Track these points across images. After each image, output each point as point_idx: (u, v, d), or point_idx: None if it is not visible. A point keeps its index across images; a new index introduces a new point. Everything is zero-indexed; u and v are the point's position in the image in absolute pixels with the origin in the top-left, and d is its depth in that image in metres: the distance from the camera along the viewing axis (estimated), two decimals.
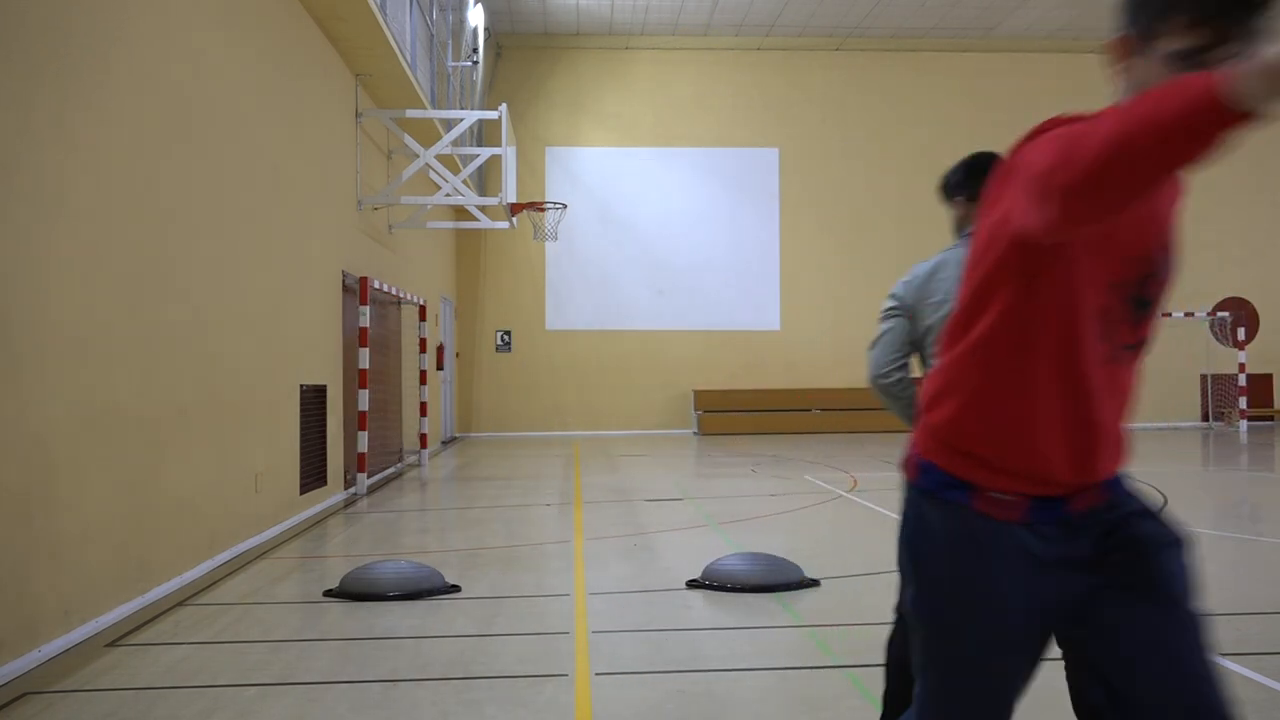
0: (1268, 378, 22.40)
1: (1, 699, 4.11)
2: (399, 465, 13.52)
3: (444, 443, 18.63)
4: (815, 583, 5.99)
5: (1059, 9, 20.13)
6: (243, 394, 7.52)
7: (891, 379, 3.20)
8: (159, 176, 6.07)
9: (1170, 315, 21.26)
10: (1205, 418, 21.95)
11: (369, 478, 11.25)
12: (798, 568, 6.06)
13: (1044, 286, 1.72)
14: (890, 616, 4.42)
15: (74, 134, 5.06)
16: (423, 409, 14.72)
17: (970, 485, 1.81)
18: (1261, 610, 5.42)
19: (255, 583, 6.44)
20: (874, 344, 3.27)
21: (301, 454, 9.11)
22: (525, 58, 21.52)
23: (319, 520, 9.17)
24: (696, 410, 21.17)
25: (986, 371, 1.80)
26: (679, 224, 21.59)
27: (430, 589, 5.87)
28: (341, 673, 4.49)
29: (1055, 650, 1.97)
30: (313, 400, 9.52)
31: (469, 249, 21.20)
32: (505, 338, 21.44)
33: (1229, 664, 4.35)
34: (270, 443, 8.20)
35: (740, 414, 20.97)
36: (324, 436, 9.93)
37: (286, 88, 8.90)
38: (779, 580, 5.88)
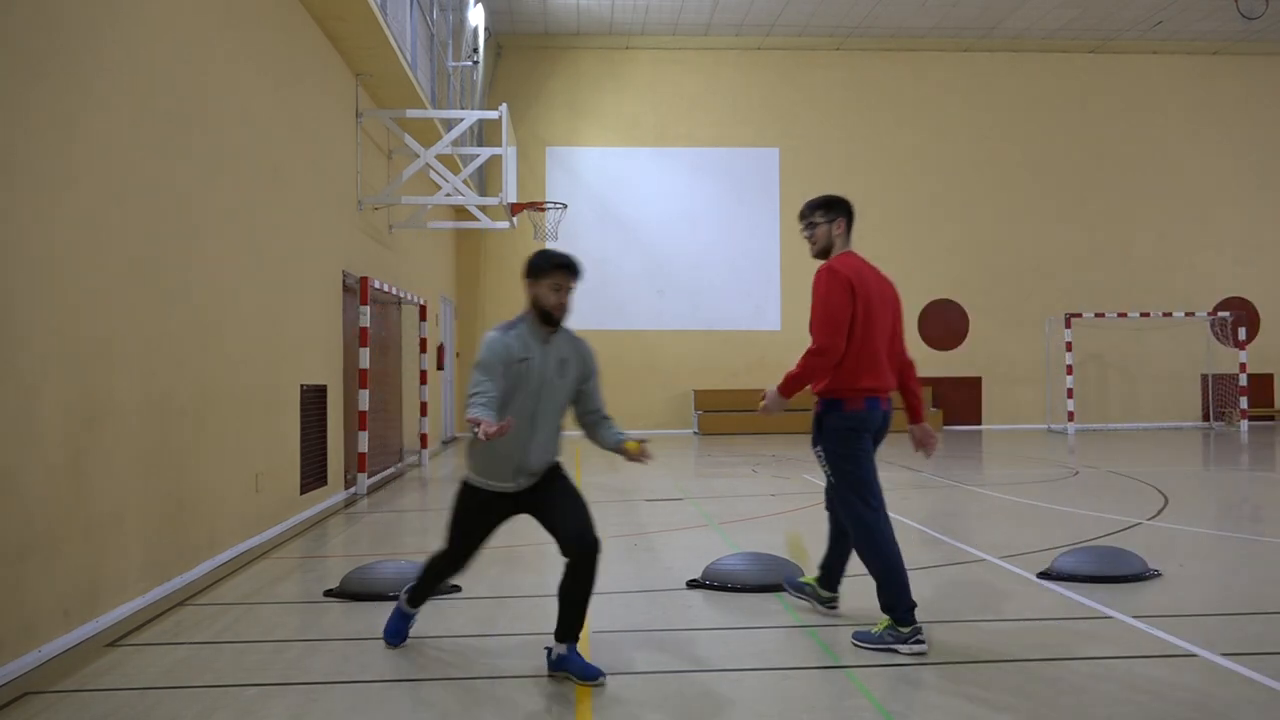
0: (1268, 378, 22.39)
1: (1, 699, 4.11)
2: (399, 465, 13.51)
3: (444, 442, 18.62)
4: None
5: (1059, 9, 20.13)
6: (243, 394, 7.52)
7: None
8: (158, 176, 6.07)
9: (1171, 315, 21.28)
10: (1206, 418, 21.94)
11: (369, 478, 11.25)
12: (798, 567, 6.05)
13: None
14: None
15: (74, 134, 5.06)
16: (423, 409, 14.72)
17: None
18: (1261, 610, 5.41)
19: (255, 583, 6.43)
20: None
21: (302, 454, 9.10)
22: (525, 58, 21.52)
23: (319, 520, 9.17)
24: (696, 410, 21.17)
25: None
26: (679, 224, 21.58)
27: None
28: (341, 673, 4.49)
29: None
30: (313, 400, 9.51)
31: (469, 249, 21.19)
32: None
33: (1229, 664, 4.35)
34: (270, 443, 8.20)
35: (741, 414, 20.96)
36: (324, 436, 9.93)
37: (287, 87, 8.90)
38: (779, 580, 5.87)
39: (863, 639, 4.72)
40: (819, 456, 4.94)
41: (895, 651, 4.57)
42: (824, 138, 21.92)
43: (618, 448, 4.37)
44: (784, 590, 5.66)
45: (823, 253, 5.15)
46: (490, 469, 4.38)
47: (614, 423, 4.52)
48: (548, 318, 4.34)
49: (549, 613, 5.54)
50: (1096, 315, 21.06)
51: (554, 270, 4.32)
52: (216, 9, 7.22)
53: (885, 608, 4.69)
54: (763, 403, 5.02)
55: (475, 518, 4.54)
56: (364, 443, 11.03)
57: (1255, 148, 22.55)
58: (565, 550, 4.31)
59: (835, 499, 4.97)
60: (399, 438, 13.65)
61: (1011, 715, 3.80)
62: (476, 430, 3.84)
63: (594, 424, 4.53)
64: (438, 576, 4.76)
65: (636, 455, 4.31)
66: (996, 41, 21.84)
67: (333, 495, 10.22)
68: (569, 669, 4.29)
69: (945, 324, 22.01)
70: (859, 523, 4.78)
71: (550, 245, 20.77)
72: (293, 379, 8.89)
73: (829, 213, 5.14)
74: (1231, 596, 5.80)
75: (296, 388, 8.99)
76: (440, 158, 14.34)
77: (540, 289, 4.32)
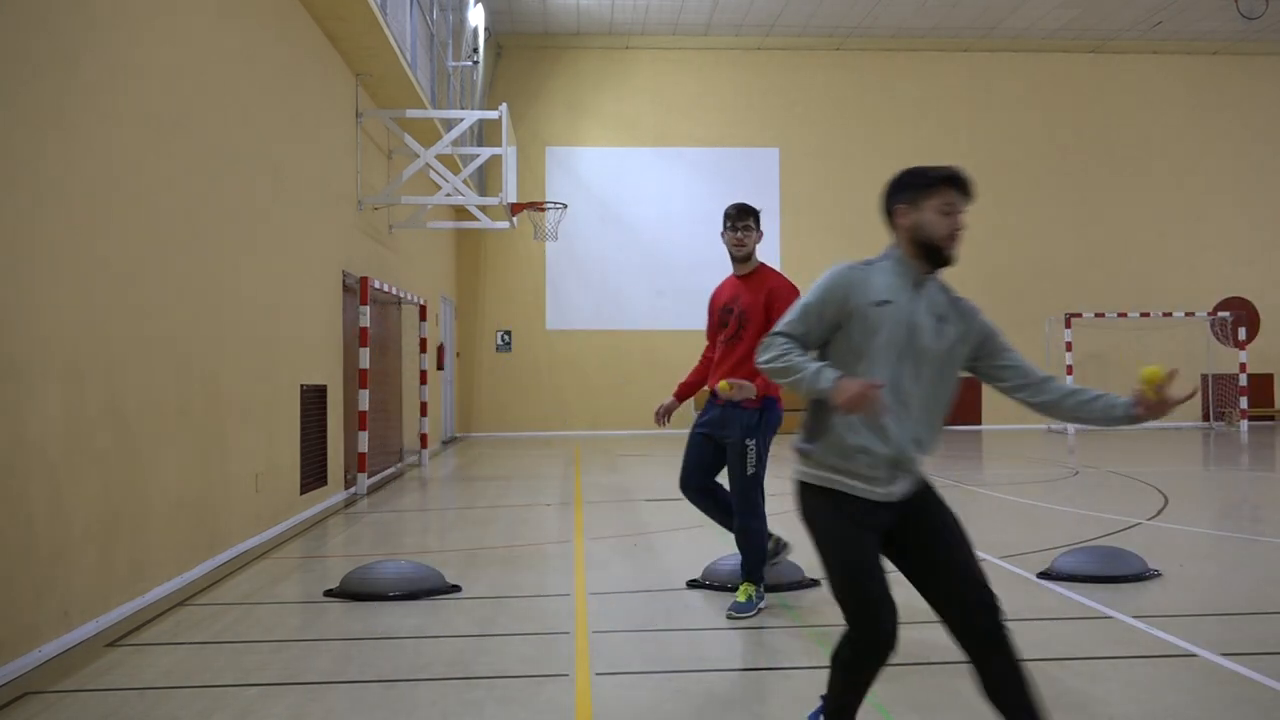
0: (1269, 378, 22.39)
1: (1, 699, 4.11)
2: (399, 465, 13.51)
3: (444, 443, 18.63)
4: (816, 583, 5.99)
5: (1059, 9, 20.13)
6: (243, 394, 7.52)
7: None
8: (159, 176, 6.07)
9: (1171, 315, 21.26)
10: (1206, 418, 21.94)
11: (369, 478, 11.25)
12: (798, 567, 6.06)
13: None
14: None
15: (73, 134, 5.06)
16: (423, 409, 14.72)
17: None
18: (1261, 610, 5.41)
19: (255, 583, 6.43)
20: None
21: (302, 454, 9.10)
22: (525, 58, 21.51)
23: (319, 520, 9.17)
24: (696, 410, 21.13)
25: None
26: (679, 224, 21.56)
27: (430, 589, 5.87)
28: (341, 673, 4.49)
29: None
30: (313, 400, 9.51)
31: (469, 249, 21.19)
32: (505, 338, 21.43)
33: (1229, 664, 4.35)
34: (270, 443, 8.20)
35: None
36: (324, 436, 9.92)
37: (287, 87, 8.90)
38: (779, 580, 5.87)
39: (741, 610, 5.27)
40: (748, 448, 5.40)
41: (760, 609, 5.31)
42: (824, 138, 21.91)
43: (1126, 414, 2.90)
44: (777, 590, 5.69)
45: (748, 256, 5.55)
46: (849, 459, 2.93)
47: (1065, 381, 3.16)
48: (934, 254, 3.03)
49: (549, 613, 5.56)
50: (1096, 315, 21.06)
51: (942, 185, 3.09)
52: (216, 9, 7.22)
53: (749, 576, 5.42)
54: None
55: (854, 535, 2.94)
56: (364, 443, 11.03)
57: (1255, 148, 22.54)
58: (963, 628, 2.88)
59: (743, 487, 5.39)
60: (399, 438, 13.65)
61: None
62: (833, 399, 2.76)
63: (1036, 389, 3.03)
64: (864, 668, 3.03)
65: (1161, 405, 2.85)
66: (996, 41, 21.84)
67: (333, 495, 10.22)
68: None
69: None
70: (756, 513, 5.42)
71: (550, 245, 20.77)
72: (293, 379, 8.89)
73: (759, 224, 5.58)
74: (1231, 596, 5.80)
75: (296, 388, 8.99)
76: (440, 158, 14.33)
77: (923, 214, 3.05)
